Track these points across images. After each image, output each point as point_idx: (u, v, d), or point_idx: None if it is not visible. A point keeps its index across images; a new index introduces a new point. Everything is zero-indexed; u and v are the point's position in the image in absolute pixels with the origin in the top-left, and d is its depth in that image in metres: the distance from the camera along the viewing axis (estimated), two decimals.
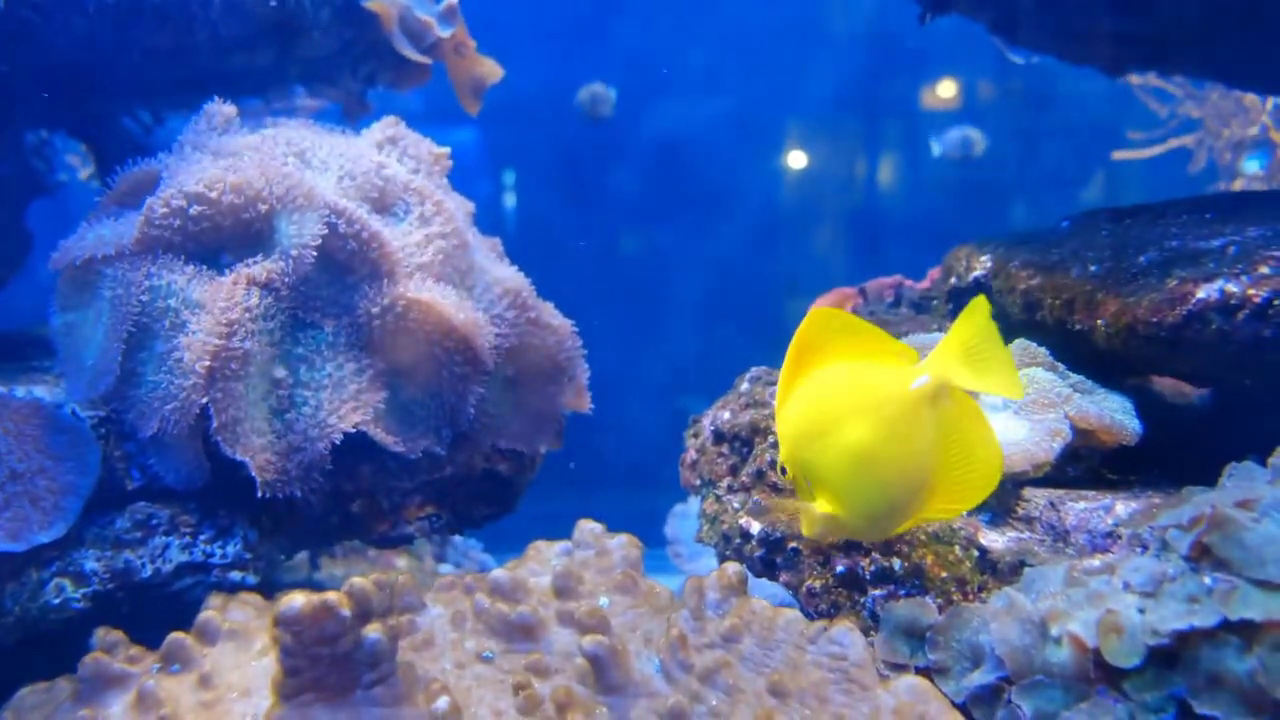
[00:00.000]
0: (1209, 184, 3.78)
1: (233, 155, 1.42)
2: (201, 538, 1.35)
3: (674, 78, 4.72)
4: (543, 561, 1.26)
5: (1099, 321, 1.24)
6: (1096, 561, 1.04)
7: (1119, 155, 3.87)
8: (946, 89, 4.64)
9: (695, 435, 1.62)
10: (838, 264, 4.76)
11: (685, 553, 2.45)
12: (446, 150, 1.63)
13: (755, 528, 1.31)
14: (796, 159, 4.78)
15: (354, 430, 1.36)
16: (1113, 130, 4.02)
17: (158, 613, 1.29)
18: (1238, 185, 3.71)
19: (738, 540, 1.35)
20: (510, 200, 4.72)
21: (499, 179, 4.70)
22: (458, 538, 2.75)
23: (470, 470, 1.59)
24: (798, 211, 4.79)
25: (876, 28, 4.75)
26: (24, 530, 1.23)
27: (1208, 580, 0.92)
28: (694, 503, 2.63)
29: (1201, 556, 0.95)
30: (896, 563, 1.16)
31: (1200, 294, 1.13)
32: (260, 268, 1.33)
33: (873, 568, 1.17)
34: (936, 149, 4.05)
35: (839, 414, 0.96)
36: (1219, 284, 1.13)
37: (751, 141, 4.77)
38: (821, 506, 0.99)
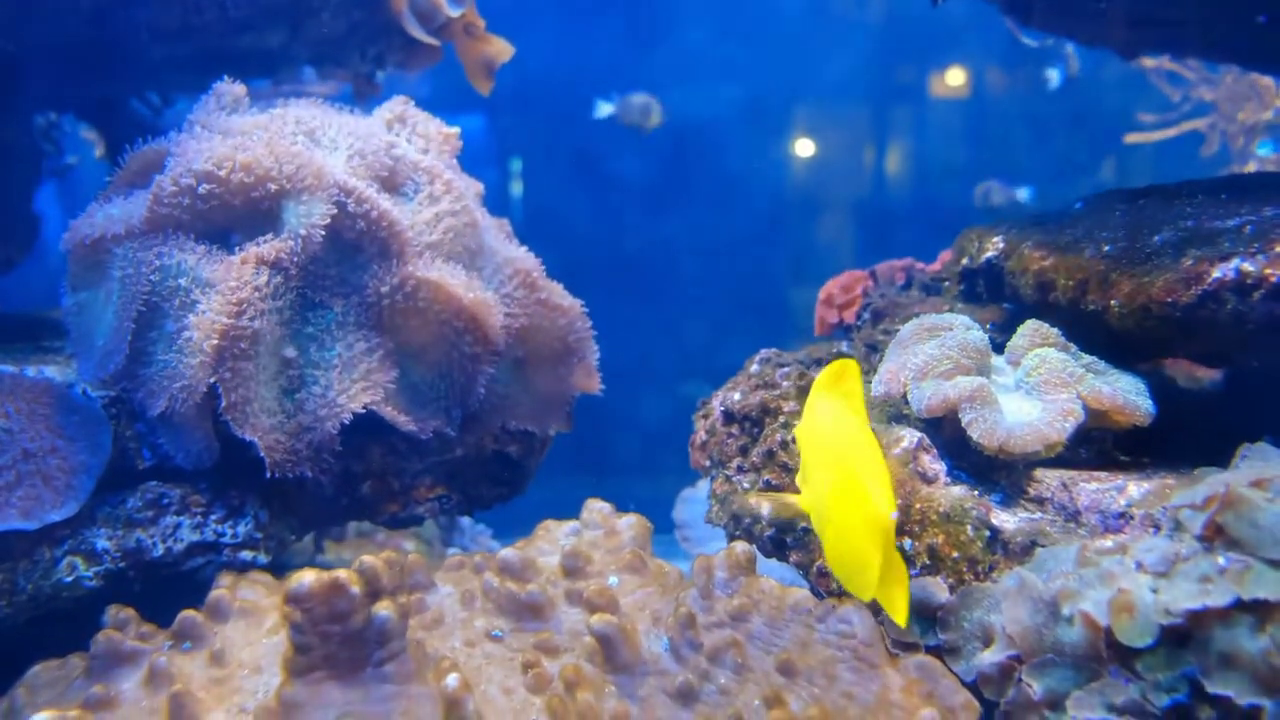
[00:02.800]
0: (1221, 169, 3.75)
1: (242, 134, 1.42)
2: (213, 517, 1.35)
3: (683, 64, 4.70)
4: (551, 541, 1.26)
5: (1113, 302, 1.23)
6: (1109, 541, 1.03)
7: (1131, 138, 3.84)
8: (955, 75, 4.62)
9: (705, 416, 1.61)
10: (846, 250, 4.75)
11: (693, 536, 2.45)
12: (456, 130, 1.63)
13: (765, 508, 1.31)
14: (804, 145, 4.75)
15: (364, 411, 1.36)
16: (1124, 116, 3.99)
17: (168, 591, 1.30)
18: (1250, 169, 3.68)
19: (748, 520, 1.35)
20: (517, 186, 4.71)
21: (506, 165, 4.69)
22: (466, 521, 2.75)
23: (480, 451, 1.59)
24: (806, 197, 4.77)
25: (886, 14, 4.71)
26: (36, 509, 1.23)
27: (1221, 560, 0.92)
28: (702, 487, 2.64)
29: (1215, 536, 0.94)
30: (908, 542, 1.16)
31: (1216, 273, 1.12)
32: (269, 247, 1.32)
33: None
34: (1056, 77, 3.93)
35: (833, 496, 1.06)
36: (1235, 263, 1.12)
37: (760, 128, 4.75)
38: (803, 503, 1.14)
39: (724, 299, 4.55)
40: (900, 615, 0.98)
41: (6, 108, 1.88)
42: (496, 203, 1.68)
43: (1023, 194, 3.95)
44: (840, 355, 1.70)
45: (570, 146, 4.62)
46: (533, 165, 4.72)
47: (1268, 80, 3.60)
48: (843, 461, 1.06)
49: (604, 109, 3.81)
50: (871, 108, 4.71)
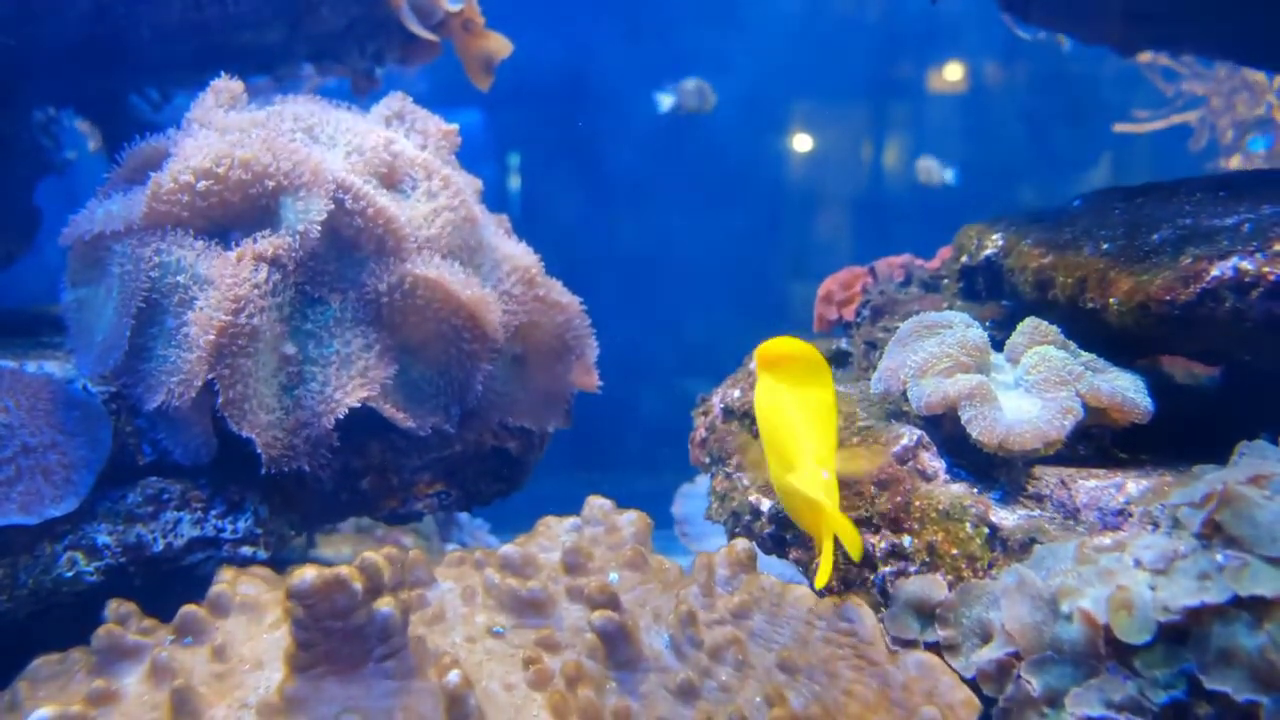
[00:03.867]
0: (1209, 163, 3.77)
1: (240, 131, 1.42)
2: (213, 513, 1.35)
3: (682, 59, 4.69)
4: (552, 537, 1.26)
5: (1111, 300, 1.24)
6: (1107, 539, 1.04)
7: (1120, 128, 3.85)
8: (953, 71, 4.62)
9: (705, 413, 1.62)
10: (844, 245, 4.75)
11: (692, 532, 2.46)
12: (455, 127, 1.63)
13: (765, 505, 1.31)
14: (803, 141, 4.76)
15: (360, 405, 1.36)
16: (1120, 112, 4.00)
17: (168, 587, 1.30)
18: (1235, 163, 3.69)
19: (748, 517, 1.36)
20: (515, 182, 4.71)
21: (504, 161, 4.69)
22: (464, 516, 2.76)
23: (479, 447, 1.60)
24: (805, 193, 4.78)
25: (884, 9, 4.72)
26: (36, 504, 1.23)
27: (1219, 557, 0.92)
28: (701, 482, 2.64)
29: (1213, 533, 0.95)
30: (907, 539, 1.16)
31: (1214, 272, 1.13)
32: (267, 243, 1.32)
33: (883, 544, 1.17)
34: (1064, 42, 4.07)
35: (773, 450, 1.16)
36: (1233, 262, 1.12)
37: (758, 123, 4.75)
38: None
39: (722, 295, 4.56)
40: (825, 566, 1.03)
41: (6, 102, 1.87)
42: (494, 198, 1.68)
43: (949, 175, 4.03)
44: (839, 352, 1.71)
45: (568, 142, 4.62)
46: (530, 161, 4.72)
47: (1260, 76, 3.61)
48: (773, 433, 1.15)
49: (665, 101, 3.89)
50: (869, 103, 4.71)
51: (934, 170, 4.07)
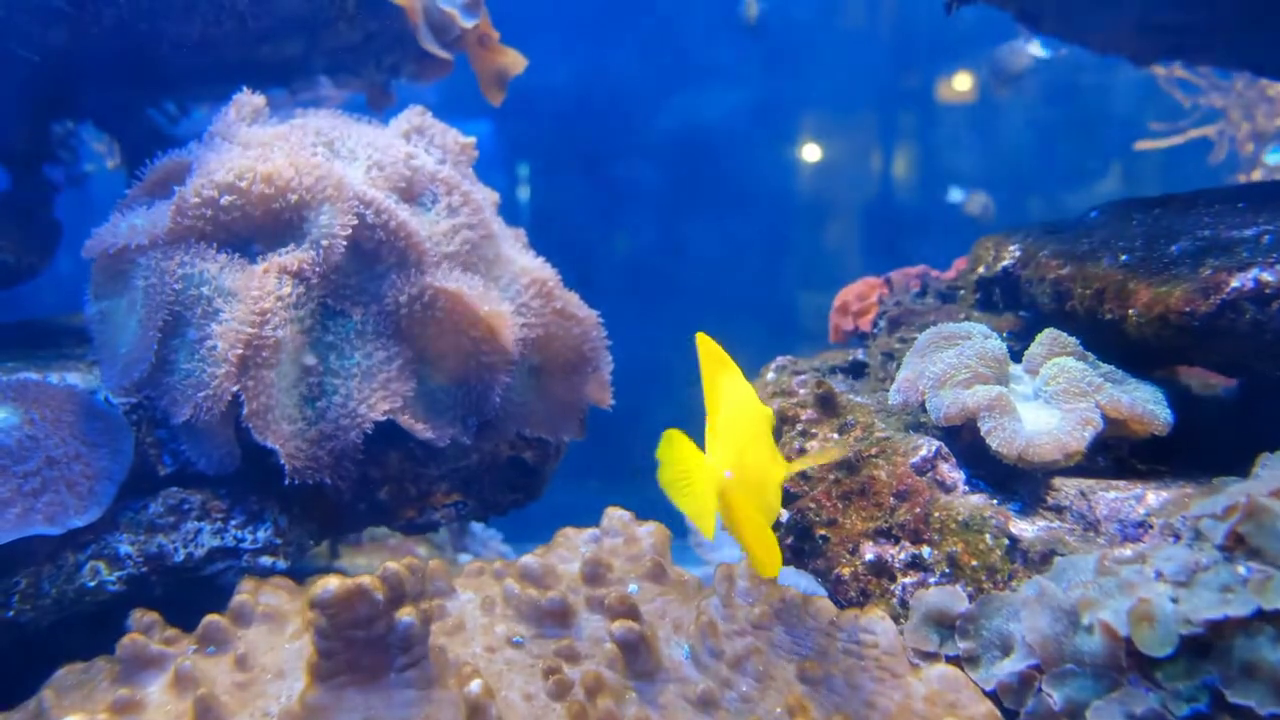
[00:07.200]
0: (1228, 176, 3.75)
1: (262, 146, 1.43)
2: (233, 523, 1.36)
3: (694, 71, 4.71)
4: (571, 548, 1.26)
5: (1130, 311, 1.24)
6: (1128, 551, 1.03)
7: (1141, 145, 3.84)
8: (964, 81, 4.62)
9: None
10: (856, 255, 4.75)
11: (707, 542, 2.46)
12: (473, 140, 1.64)
13: (784, 515, 1.31)
14: (815, 152, 4.77)
15: (384, 419, 1.37)
16: (1133, 123, 4.00)
17: (189, 596, 1.31)
18: (1256, 177, 3.68)
19: None
20: (525, 193, 4.72)
21: (514, 172, 4.71)
22: (478, 527, 2.76)
23: (496, 458, 1.60)
24: (817, 204, 4.78)
25: (895, 21, 4.73)
26: (60, 514, 1.25)
27: (1242, 570, 0.92)
28: None
29: (1236, 546, 0.94)
30: (927, 550, 1.16)
31: (1234, 283, 1.13)
32: (292, 257, 1.34)
33: (903, 556, 1.17)
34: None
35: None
36: (1253, 273, 1.12)
37: (771, 134, 4.76)
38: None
39: (734, 304, 4.56)
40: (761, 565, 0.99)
41: (28, 116, 1.90)
42: (505, 208, 1.69)
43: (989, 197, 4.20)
44: (856, 363, 1.71)
45: (579, 152, 4.63)
46: (541, 171, 4.74)
47: (1279, 87, 3.60)
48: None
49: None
50: (882, 114, 4.72)
51: (978, 201, 4.21)
